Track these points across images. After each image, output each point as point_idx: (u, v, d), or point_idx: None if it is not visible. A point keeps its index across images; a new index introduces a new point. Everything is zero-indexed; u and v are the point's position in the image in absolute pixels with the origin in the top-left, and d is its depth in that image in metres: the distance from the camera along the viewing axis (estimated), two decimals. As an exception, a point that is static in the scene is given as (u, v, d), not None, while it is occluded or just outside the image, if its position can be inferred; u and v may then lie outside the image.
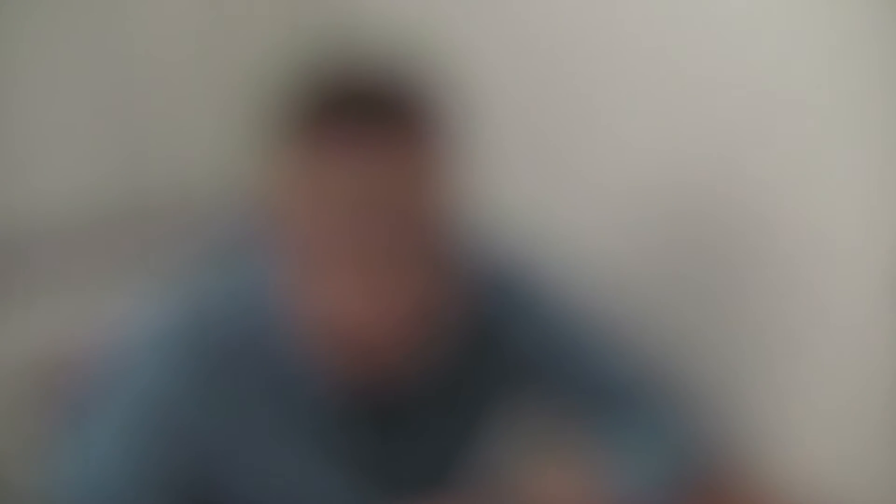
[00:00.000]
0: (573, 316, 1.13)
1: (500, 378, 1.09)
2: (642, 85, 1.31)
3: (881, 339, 1.11)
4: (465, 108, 1.01)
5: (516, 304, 1.10)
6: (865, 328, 1.13)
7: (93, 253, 1.63)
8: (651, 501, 1.09)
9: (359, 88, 0.96)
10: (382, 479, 1.05)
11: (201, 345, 1.02)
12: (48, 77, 1.64)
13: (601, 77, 1.37)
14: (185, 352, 1.02)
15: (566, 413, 1.11)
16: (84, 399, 1.05)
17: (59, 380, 1.17)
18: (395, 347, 1.00)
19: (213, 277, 1.08)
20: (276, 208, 0.98)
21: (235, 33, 1.70)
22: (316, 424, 1.03)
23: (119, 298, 1.12)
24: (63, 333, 1.28)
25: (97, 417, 1.02)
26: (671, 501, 1.11)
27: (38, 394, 1.20)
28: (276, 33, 1.60)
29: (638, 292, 1.33)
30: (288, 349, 1.02)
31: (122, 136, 1.71)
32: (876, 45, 1.04)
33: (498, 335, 1.09)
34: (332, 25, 1.56)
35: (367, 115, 0.94)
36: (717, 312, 1.29)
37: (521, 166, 1.44)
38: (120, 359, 1.04)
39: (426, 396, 1.06)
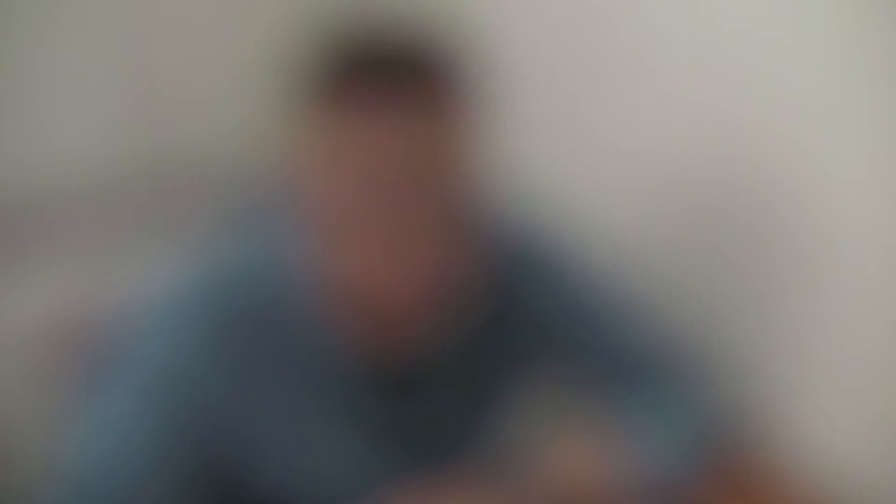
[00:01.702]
0: (593, 286, 1.12)
1: (519, 347, 1.09)
2: (666, 53, 1.30)
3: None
4: (488, 75, 1.00)
5: (537, 273, 1.10)
6: (888, 297, 1.12)
7: (113, 218, 1.63)
8: (668, 474, 1.09)
9: (381, 52, 0.95)
10: (402, 446, 1.04)
11: (221, 312, 1.01)
12: (68, 43, 1.64)
13: (624, 44, 1.36)
14: (204, 319, 1.01)
15: (585, 384, 1.10)
16: (102, 365, 1.04)
17: (78, 345, 1.17)
18: (415, 314, 1.00)
19: (234, 244, 1.07)
20: (297, 174, 0.97)
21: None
22: (335, 392, 1.03)
23: (139, 264, 1.11)
24: (82, 298, 1.28)
25: (115, 384, 1.02)
26: (689, 474, 1.11)
27: (56, 359, 1.20)
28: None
29: (658, 262, 1.32)
30: (308, 317, 1.02)
31: (143, 101, 1.71)
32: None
33: (518, 304, 1.08)
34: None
35: (390, 79, 0.92)
36: (739, 283, 1.29)
37: (543, 134, 1.43)
38: (139, 325, 1.03)
39: (446, 364, 1.05)
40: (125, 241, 1.46)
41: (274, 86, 0.99)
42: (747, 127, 1.22)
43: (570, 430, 1.05)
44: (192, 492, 1.00)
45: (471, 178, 0.97)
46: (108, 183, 1.67)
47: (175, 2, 1.69)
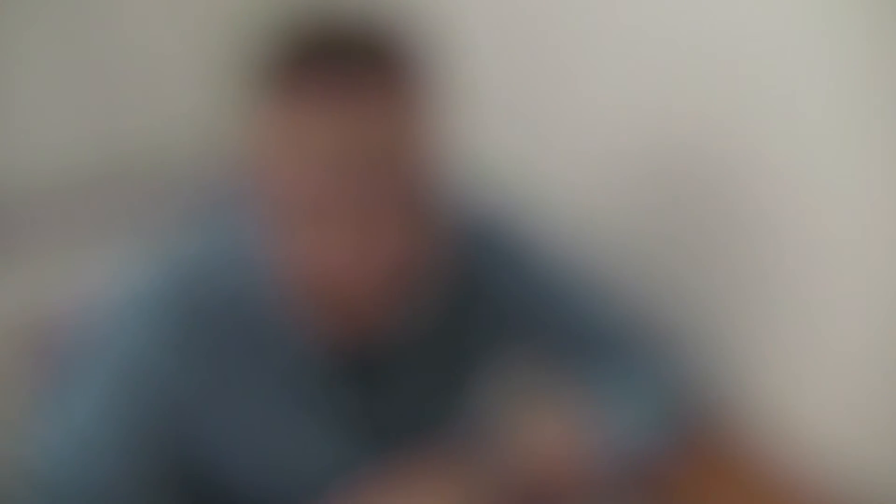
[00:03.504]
0: (557, 266, 1.12)
1: (485, 329, 1.09)
2: (626, 38, 1.30)
3: (876, 286, 1.10)
4: (444, 60, 0.99)
5: (499, 255, 1.10)
6: (860, 276, 1.12)
7: (73, 216, 1.62)
8: (638, 448, 1.09)
9: (337, 38, 0.94)
10: (369, 433, 1.04)
11: (183, 305, 1.01)
12: (26, 41, 1.63)
13: (583, 28, 1.35)
14: (167, 315, 1.01)
15: (553, 363, 1.10)
16: (65, 362, 1.04)
17: (41, 343, 1.16)
18: (377, 301, 0.99)
19: (195, 238, 1.06)
20: (256, 164, 0.96)
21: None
22: (300, 382, 1.02)
23: (100, 261, 1.10)
24: (43, 297, 1.27)
25: (79, 384, 1.01)
26: (658, 448, 1.11)
27: (20, 360, 1.19)
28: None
29: (620, 243, 1.32)
30: (270, 307, 1.01)
31: (100, 97, 1.70)
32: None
33: (482, 287, 1.08)
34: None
35: (346, 65, 0.92)
36: (701, 263, 1.29)
37: (500, 119, 1.43)
38: (101, 321, 1.03)
39: (411, 350, 1.05)
40: (86, 240, 1.46)
41: (231, 77, 0.98)
42: (717, 110, 1.22)
43: (540, 409, 1.05)
44: (161, 488, 0.99)
45: (431, 163, 0.97)
46: (67, 181, 1.66)
47: (131, 1, 1.68)
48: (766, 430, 1.24)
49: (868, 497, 1.13)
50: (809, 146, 1.13)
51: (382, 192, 0.93)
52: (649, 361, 1.15)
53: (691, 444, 1.18)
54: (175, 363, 1.00)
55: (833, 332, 1.16)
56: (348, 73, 0.91)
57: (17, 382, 1.17)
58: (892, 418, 1.11)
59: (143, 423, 0.99)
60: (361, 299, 0.99)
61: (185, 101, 1.70)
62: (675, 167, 1.28)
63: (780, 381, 1.23)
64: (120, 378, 0.99)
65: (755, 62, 1.16)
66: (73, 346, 1.04)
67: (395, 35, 0.95)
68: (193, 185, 1.18)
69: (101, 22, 1.67)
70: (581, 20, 1.35)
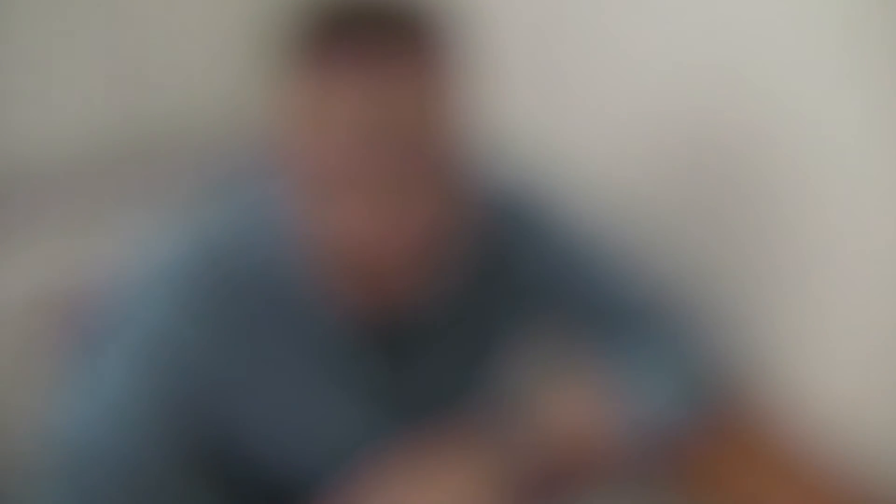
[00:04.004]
0: (584, 239, 1.12)
1: (510, 302, 1.08)
2: (652, 7, 1.29)
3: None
4: (471, 31, 0.99)
5: (525, 228, 1.09)
6: (883, 255, 1.11)
7: (97, 189, 1.62)
8: (662, 422, 1.09)
9: (365, 9, 0.94)
10: (395, 405, 1.04)
11: (209, 277, 1.01)
12: (47, 17, 1.63)
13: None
14: (194, 286, 1.01)
15: (578, 337, 1.10)
16: (92, 336, 1.04)
17: (66, 318, 1.16)
18: (405, 273, 0.99)
19: (219, 210, 1.06)
20: (283, 135, 0.96)
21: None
22: (328, 354, 1.03)
23: (128, 235, 1.11)
24: (69, 271, 1.28)
25: (104, 354, 1.01)
26: (682, 422, 1.11)
27: (45, 333, 1.19)
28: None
29: (648, 216, 1.32)
30: (298, 279, 1.01)
31: (124, 70, 1.70)
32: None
33: (508, 259, 1.08)
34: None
35: (373, 36, 0.92)
36: (729, 237, 1.28)
37: (527, 92, 1.43)
38: (130, 295, 1.03)
39: (437, 322, 1.05)
40: (110, 212, 1.46)
41: (257, 48, 0.98)
42: (736, 81, 1.22)
43: (564, 382, 1.05)
44: (188, 461, 1.00)
45: (457, 134, 0.97)
46: (91, 153, 1.67)
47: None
48: (789, 406, 1.24)
49: (892, 476, 1.13)
50: (837, 117, 1.12)
51: (411, 163, 0.93)
52: (673, 336, 1.15)
53: (714, 420, 1.18)
54: (203, 336, 1.00)
55: (859, 308, 1.15)
56: (377, 44, 0.91)
57: (43, 356, 1.18)
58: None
59: (170, 396, 0.99)
60: (389, 271, 0.98)
61: (214, 74, 1.70)
62: (700, 139, 1.28)
63: (804, 357, 1.23)
64: (148, 351, 1.00)
65: (784, 30, 1.15)
66: (101, 321, 1.04)
67: (423, 6, 0.95)
68: (221, 158, 1.18)
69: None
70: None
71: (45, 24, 1.63)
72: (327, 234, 0.97)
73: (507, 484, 1.00)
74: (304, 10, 0.95)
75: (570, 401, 1.04)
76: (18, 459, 1.00)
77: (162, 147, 1.66)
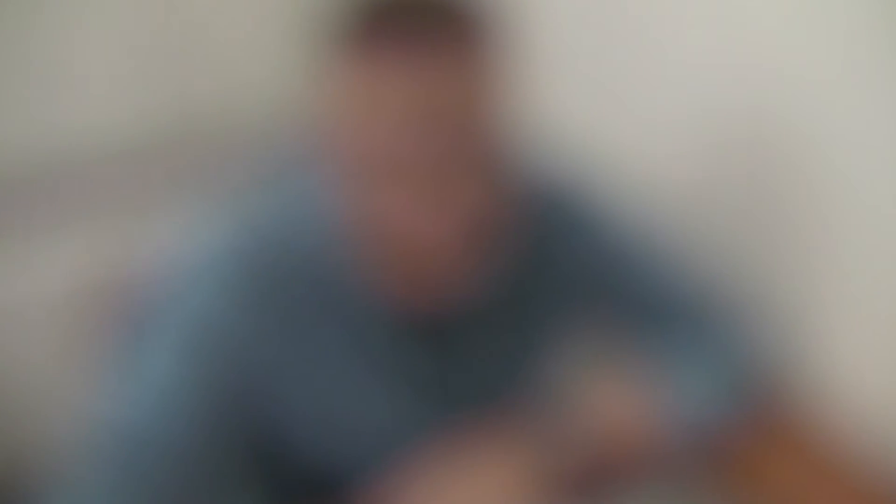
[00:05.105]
0: (629, 234, 1.12)
1: (555, 295, 1.08)
2: (706, 3, 1.29)
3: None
4: (521, 22, 0.99)
5: (572, 221, 1.09)
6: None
7: (144, 178, 1.63)
8: (705, 417, 1.09)
9: None
10: (437, 396, 1.04)
11: (257, 266, 1.01)
12: (92, 3, 1.64)
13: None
14: (241, 274, 1.01)
15: (622, 331, 1.10)
16: (139, 323, 1.05)
17: (114, 307, 1.17)
18: (450, 262, 0.99)
19: (266, 199, 1.07)
20: (329, 124, 0.96)
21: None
22: (371, 344, 1.03)
23: (173, 222, 1.11)
24: (117, 260, 1.29)
25: (152, 343, 1.01)
26: (726, 418, 1.11)
27: (93, 322, 1.20)
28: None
29: (692, 213, 1.31)
30: (343, 268, 1.01)
31: (171, 58, 1.70)
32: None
33: (555, 251, 1.08)
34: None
35: (421, 24, 0.91)
36: (773, 234, 1.28)
37: (576, 85, 1.42)
38: (176, 282, 1.03)
39: (481, 313, 1.05)
40: (158, 201, 1.46)
41: (305, 36, 0.99)
42: (796, 79, 1.21)
43: (608, 376, 1.05)
44: (231, 447, 1.00)
45: (504, 124, 0.97)
46: (138, 142, 1.67)
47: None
48: (833, 404, 1.23)
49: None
50: (879, 116, 1.12)
51: (457, 152, 0.93)
52: (718, 334, 1.14)
53: (758, 417, 1.17)
54: (249, 324, 1.00)
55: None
56: (423, 31, 0.91)
57: (90, 345, 1.19)
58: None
59: (214, 381, 0.99)
60: (434, 260, 0.98)
61: (259, 61, 1.70)
62: (750, 137, 1.27)
63: (849, 355, 1.22)
64: (196, 338, 1.00)
65: (820, 30, 1.14)
66: (148, 307, 1.04)
67: None
68: (266, 146, 1.18)
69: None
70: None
71: (94, 13, 1.64)
72: (373, 223, 0.97)
73: (550, 478, 1.00)
74: None
75: (614, 395, 1.04)
76: (66, 445, 1.00)
77: (210, 135, 1.66)
